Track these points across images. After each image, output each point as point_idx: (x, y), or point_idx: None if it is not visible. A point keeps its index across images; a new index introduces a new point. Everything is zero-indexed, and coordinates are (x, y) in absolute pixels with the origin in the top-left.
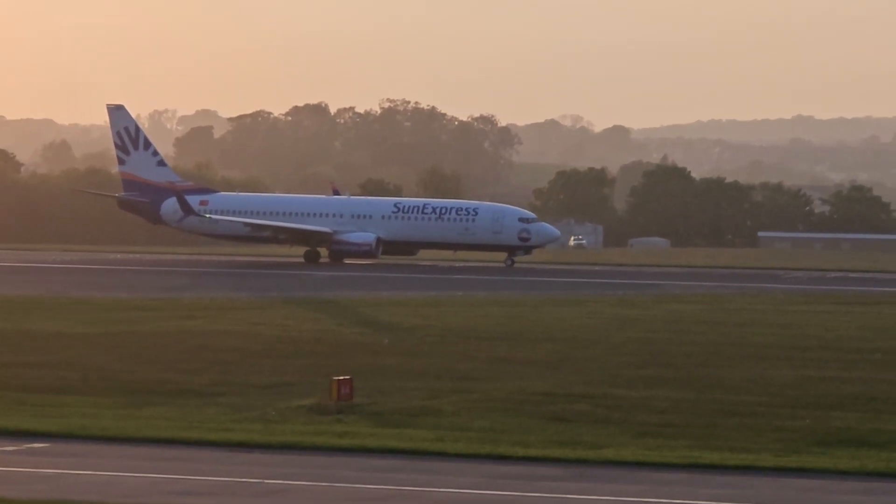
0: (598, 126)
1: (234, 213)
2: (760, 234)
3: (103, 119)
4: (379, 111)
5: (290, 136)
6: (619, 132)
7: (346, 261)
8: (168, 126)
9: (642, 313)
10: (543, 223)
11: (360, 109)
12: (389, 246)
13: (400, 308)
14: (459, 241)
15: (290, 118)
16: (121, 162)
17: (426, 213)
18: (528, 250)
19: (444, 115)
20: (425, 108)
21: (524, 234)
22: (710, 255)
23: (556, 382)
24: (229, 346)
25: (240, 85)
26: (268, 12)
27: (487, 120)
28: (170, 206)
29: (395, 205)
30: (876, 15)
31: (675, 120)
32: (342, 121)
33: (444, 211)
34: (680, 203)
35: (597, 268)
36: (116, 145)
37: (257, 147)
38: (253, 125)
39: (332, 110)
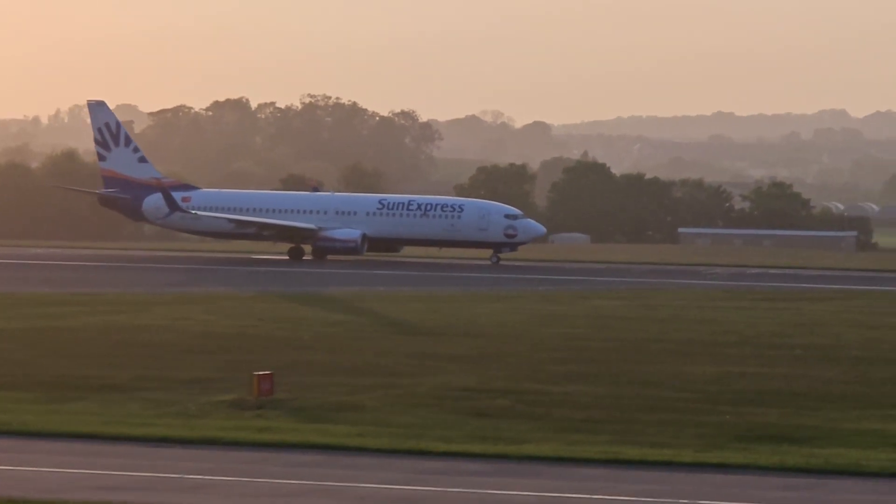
0: (519, 122)
1: (217, 210)
2: (681, 230)
3: (23, 113)
4: (300, 106)
5: (212, 130)
6: (539, 128)
7: (329, 257)
8: (88, 120)
9: (564, 309)
10: (529, 220)
11: (281, 104)
12: (374, 243)
13: (324, 304)
14: (445, 237)
15: (210, 113)
16: (101, 158)
17: (411, 210)
18: (513, 247)
19: (366, 110)
20: (346, 103)
21: (510, 231)
22: (630, 251)
23: (477, 378)
24: (152, 341)
25: (161, 79)
26: (189, 6)
27: (408, 115)
28: (152, 202)
29: (380, 201)
30: (794, 13)
31: (595, 116)
32: (263, 116)
33: (429, 207)
34: (600, 199)
35: (518, 263)
36: (97, 141)
37: (179, 142)
38: (174, 120)
39: (253, 105)
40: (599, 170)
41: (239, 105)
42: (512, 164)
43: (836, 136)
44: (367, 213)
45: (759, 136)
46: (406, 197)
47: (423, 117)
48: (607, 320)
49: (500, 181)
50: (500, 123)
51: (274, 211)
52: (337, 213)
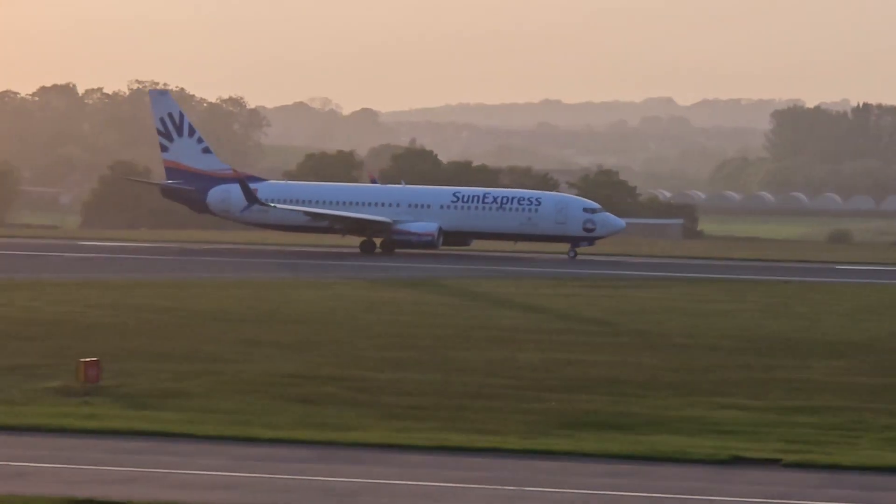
0: (347, 109)
1: (285, 202)
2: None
3: None
4: (127, 92)
5: (39, 116)
6: (367, 115)
7: (397, 250)
8: None
9: (390, 296)
10: (608, 213)
11: (109, 90)
12: (448, 237)
13: (148, 290)
14: (521, 231)
15: (37, 98)
16: (164, 149)
17: (487, 203)
18: (591, 241)
19: (193, 96)
20: (174, 89)
21: (589, 225)
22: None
23: (303, 364)
24: None
25: None
26: None
27: (236, 102)
28: (217, 194)
29: (454, 194)
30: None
31: (423, 103)
32: (91, 101)
33: (505, 201)
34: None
35: (344, 250)
36: (159, 132)
37: (5, 128)
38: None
39: (81, 91)
40: (427, 157)
41: (66, 91)
42: (340, 151)
43: (663, 123)
44: (441, 206)
45: (587, 123)
46: (481, 190)
47: (252, 104)
48: (433, 307)
49: (328, 167)
50: (328, 110)
51: (343, 203)
52: (410, 205)
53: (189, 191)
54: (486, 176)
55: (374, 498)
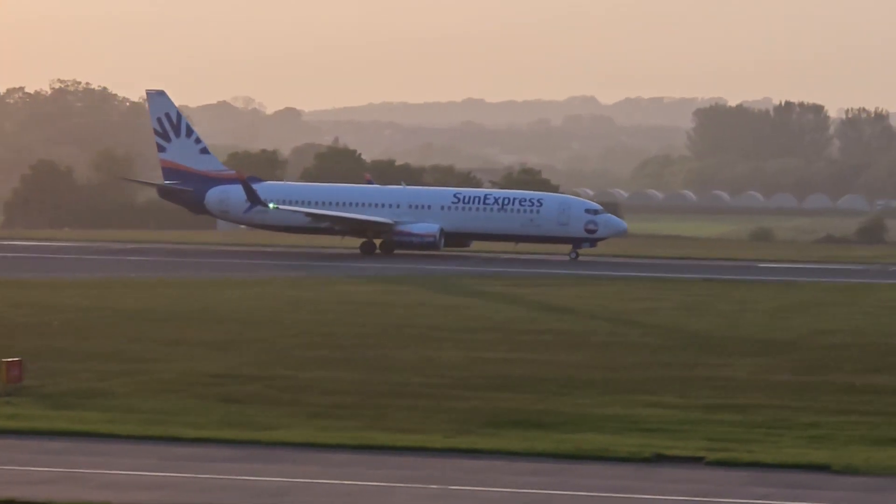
0: (271, 108)
1: (285, 203)
2: None
3: None
4: (49, 91)
5: None
6: (290, 114)
7: (397, 252)
8: None
9: (312, 295)
10: (610, 215)
11: (30, 90)
12: (449, 238)
13: (73, 290)
14: (523, 232)
15: None
16: (161, 149)
17: (488, 204)
18: (593, 242)
19: (116, 95)
20: (97, 88)
21: (591, 226)
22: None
23: (227, 364)
24: None
25: None
26: None
27: None
28: (215, 195)
29: (455, 195)
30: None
31: (347, 102)
32: (12, 101)
33: (506, 202)
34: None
35: (270, 249)
36: (156, 132)
37: None
38: None
39: (2, 90)
40: (350, 156)
41: None
42: (263, 150)
43: (586, 122)
44: (442, 207)
45: (510, 122)
46: (482, 191)
47: (175, 103)
48: (357, 306)
49: (252, 167)
50: (251, 109)
51: (343, 204)
52: (410, 206)
53: (187, 191)
54: (409, 175)
55: (299, 497)
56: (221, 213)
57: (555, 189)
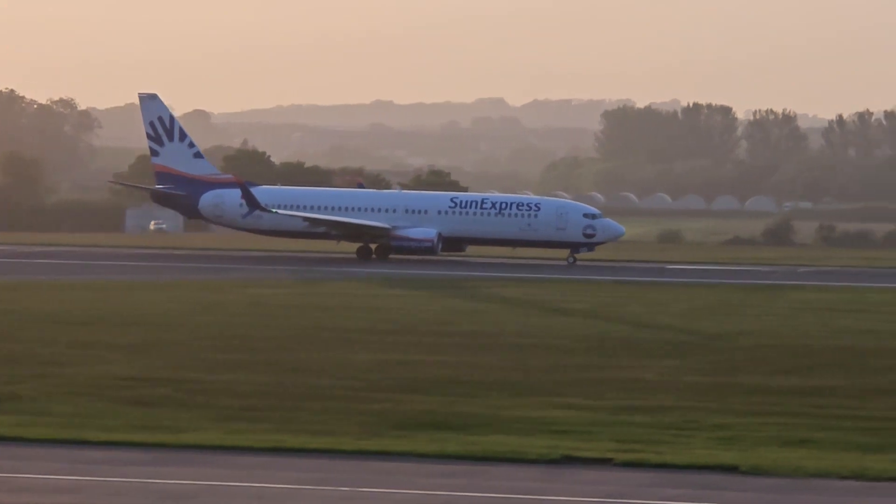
0: (179, 110)
1: (280, 207)
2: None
3: None
4: None
5: None
6: (199, 116)
7: (392, 256)
8: None
9: (224, 298)
10: (608, 219)
11: None
12: (447, 242)
13: None
14: (520, 237)
15: None
16: (154, 153)
17: (485, 209)
18: (591, 247)
19: (24, 97)
20: (3, 90)
21: (589, 231)
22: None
23: (138, 367)
24: None
25: None
26: None
27: (67, 103)
28: (209, 199)
29: (452, 199)
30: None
31: (255, 105)
32: None
33: (504, 206)
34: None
35: (178, 252)
36: (149, 136)
37: None
38: None
39: None
40: (259, 158)
41: None
42: None
43: (495, 124)
44: (439, 212)
45: (419, 124)
46: (479, 195)
47: (83, 105)
48: (268, 308)
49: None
50: None
51: (339, 209)
52: (407, 210)
53: (181, 196)
54: (319, 177)
55: (208, 500)
56: (216, 217)
57: (464, 191)
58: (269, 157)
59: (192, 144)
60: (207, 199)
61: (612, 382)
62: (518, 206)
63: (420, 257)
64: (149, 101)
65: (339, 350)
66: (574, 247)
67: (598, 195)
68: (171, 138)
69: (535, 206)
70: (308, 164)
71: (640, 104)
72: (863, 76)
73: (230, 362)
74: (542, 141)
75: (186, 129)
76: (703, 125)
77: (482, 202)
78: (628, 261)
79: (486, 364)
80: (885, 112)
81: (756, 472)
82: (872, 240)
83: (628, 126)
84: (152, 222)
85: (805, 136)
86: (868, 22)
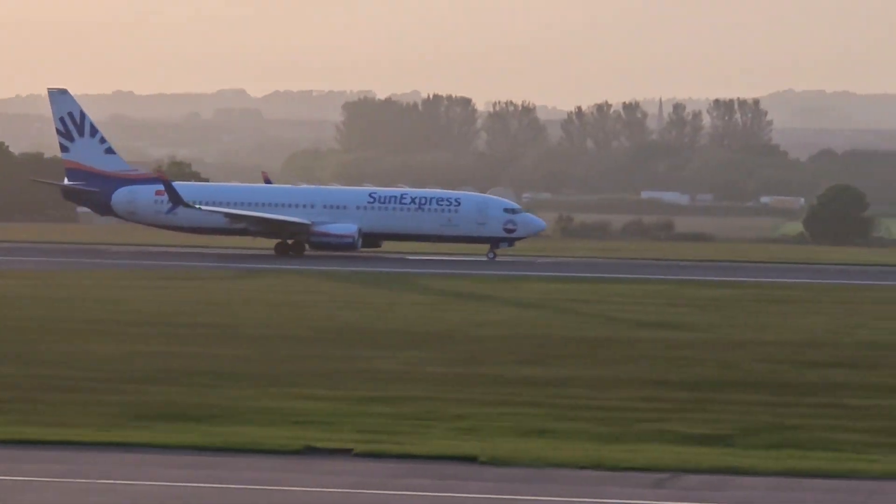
0: None
1: (201, 204)
2: (79, 209)
3: None
4: None
5: None
6: None
7: (307, 253)
8: None
9: None
10: (529, 214)
11: None
12: (366, 238)
13: None
14: (441, 233)
15: None
16: (64, 149)
17: (405, 204)
18: (511, 242)
19: None
20: None
21: (510, 226)
22: (32, 231)
23: None
24: None
25: None
26: None
27: None
28: (122, 196)
29: (370, 195)
30: None
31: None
32: None
33: (424, 201)
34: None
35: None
36: (59, 132)
37: None
38: None
39: None
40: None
41: None
42: None
43: (236, 115)
44: (358, 207)
45: (160, 115)
46: (398, 190)
47: None
48: (8, 300)
49: None
50: None
51: (258, 204)
52: (325, 206)
53: (92, 192)
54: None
55: None
56: (129, 213)
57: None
58: (8, 147)
59: (103, 140)
60: (120, 196)
61: (354, 373)
62: (438, 201)
63: (338, 253)
64: (59, 95)
65: (79, 341)
66: (494, 242)
67: (340, 187)
68: (81, 134)
69: (456, 201)
70: (48, 155)
71: (381, 95)
72: (602, 69)
73: None
74: (284, 132)
75: None
76: (444, 116)
77: (401, 197)
78: (372, 252)
79: (228, 355)
80: (624, 104)
81: (494, 462)
82: (610, 230)
83: (369, 118)
84: None
85: (544, 128)
86: (607, 14)
